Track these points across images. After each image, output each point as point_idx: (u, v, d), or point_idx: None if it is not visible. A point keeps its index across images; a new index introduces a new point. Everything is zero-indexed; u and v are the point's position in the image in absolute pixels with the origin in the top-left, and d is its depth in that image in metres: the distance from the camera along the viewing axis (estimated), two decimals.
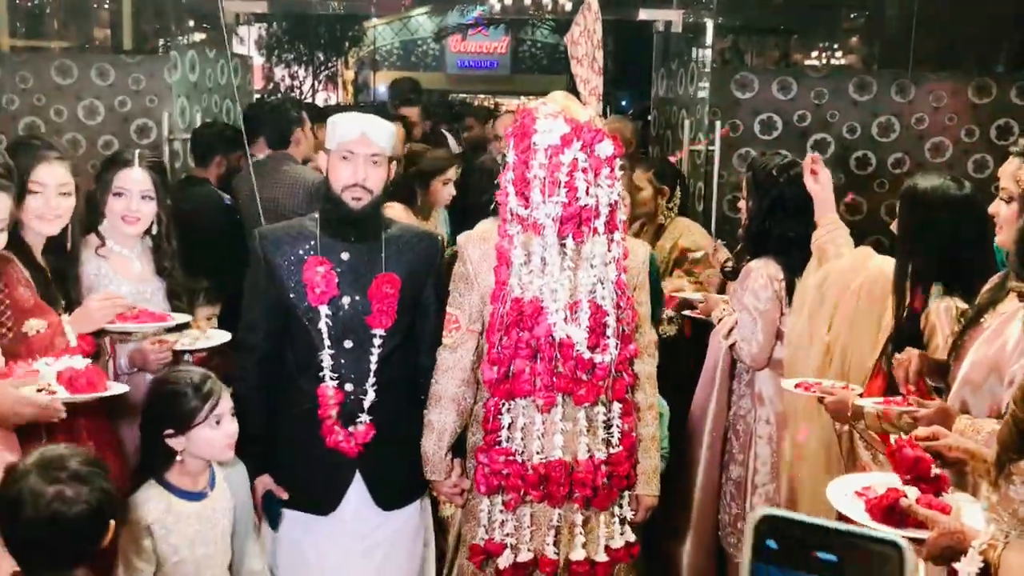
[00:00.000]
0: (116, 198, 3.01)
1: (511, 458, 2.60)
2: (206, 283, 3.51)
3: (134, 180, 3.03)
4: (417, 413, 2.81)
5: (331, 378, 2.73)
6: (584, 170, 2.46)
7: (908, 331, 2.99)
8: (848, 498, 2.07)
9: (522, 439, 2.60)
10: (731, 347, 3.54)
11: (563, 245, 2.50)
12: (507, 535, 2.64)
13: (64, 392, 2.50)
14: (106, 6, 7.17)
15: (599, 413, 2.63)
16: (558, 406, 2.58)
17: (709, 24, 5.83)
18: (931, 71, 5.47)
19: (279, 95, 12.10)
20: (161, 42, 7.69)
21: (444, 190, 4.23)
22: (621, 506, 2.72)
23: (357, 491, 2.78)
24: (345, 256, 2.76)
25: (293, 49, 12.48)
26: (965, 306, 2.83)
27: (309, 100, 12.32)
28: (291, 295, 2.74)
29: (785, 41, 7.29)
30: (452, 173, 4.26)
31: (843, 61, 7.47)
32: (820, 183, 3.32)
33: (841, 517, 2.25)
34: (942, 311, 2.84)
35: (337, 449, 2.73)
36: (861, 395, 2.90)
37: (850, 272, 3.24)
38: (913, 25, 5.79)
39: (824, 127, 5.25)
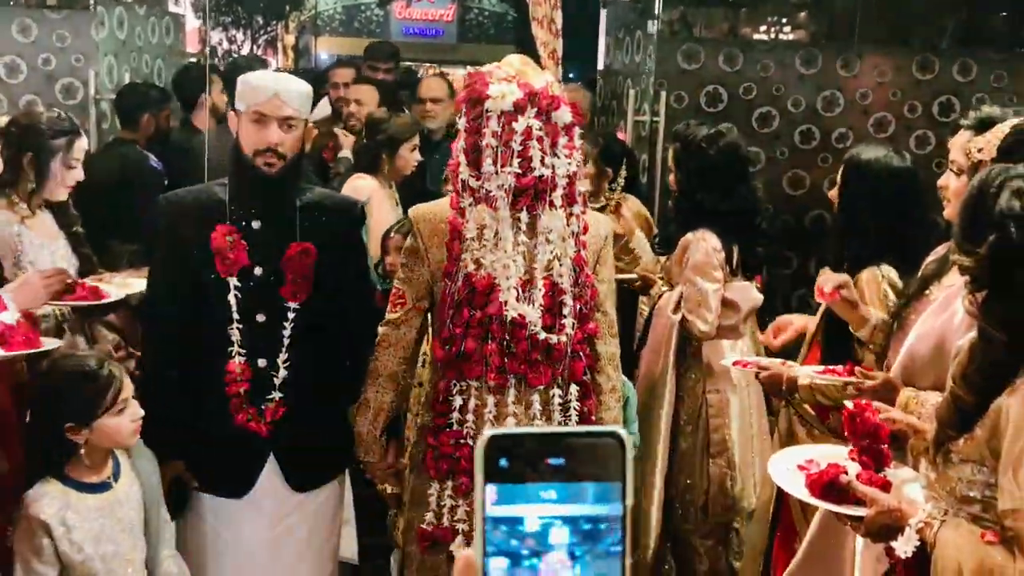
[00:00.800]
0: (70, 169, 3.01)
1: (462, 441, 2.48)
2: (133, 247, 3.48)
3: (83, 149, 3.05)
4: (335, 390, 2.70)
5: (240, 354, 2.58)
6: (539, 139, 2.33)
7: None
8: (789, 472, 2.05)
9: (474, 421, 2.49)
10: (680, 321, 3.51)
11: (517, 218, 2.38)
12: (458, 520, 2.54)
13: None
14: None
15: (555, 396, 2.51)
16: (510, 388, 2.47)
17: None
18: (877, 46, 5.47)
19: (217, 59, 11.77)
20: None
21: (411, 157, 4.14)
22: None
23: (271, 473, 2.65)
24: (256, 224, 2.60)
25: (231, 11, 12.14)
26: (893, 274, 2.86)
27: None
28: (198, 266, 2.58)
29: (734, 13, 7.24)
30: (417, 139, 4.18)
31: (792, 36, 7.44)
32: None
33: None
34: (870, 279, 2.87)
35: (247, 428, 2.59)
36: None
37: None
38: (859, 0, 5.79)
39: (770, 100, 5.22)
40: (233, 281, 2.55)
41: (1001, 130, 2.33)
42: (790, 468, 2.08)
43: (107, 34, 5.17)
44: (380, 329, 2.62)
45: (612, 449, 0.83)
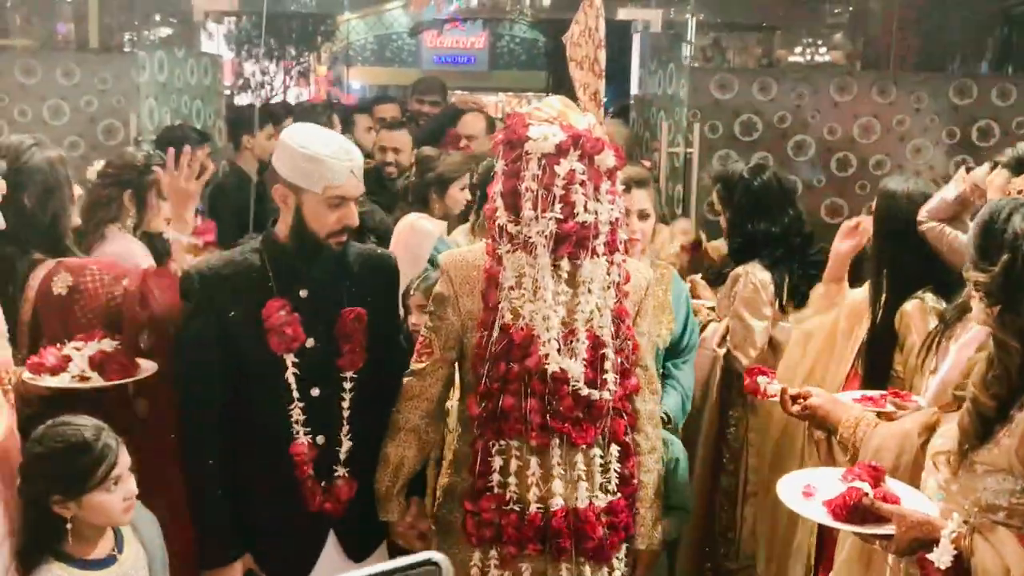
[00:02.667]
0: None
1: (505, 507, 2.33)
2: None
3: None
4: None
5: (302, 433, 2.40)
6: (583, 183, 2.20)
7: (883, 330, 3.00)
8: (802, 500, 2.05)
9: (517, 485, 2.33)
10: (725, 355, 3.50)
11: (557, 267, 2.25)
12: None
13: (99, 379, 2.45)
14: (68, 2, 6.99)
15: (596, 456, 2.36)
16: (553, 447, 2.31)
17: (689, 22, 5.77)
18: (913, 71, 5.43)
19: (249, 91, 11.92)
20: (127, 37, 7.52)
21: (461, 196, 4.02)
22: (620, 559, 2.46)
23: (331, 547, 2.50)
24: (303, 293, 2.42)
25: (264, 44, 12.28)
26: (938, 303, 2.84)
27: (280, 97, 12.15)
28: (245, 344, 2.38)
29: (767, 37, 7.22)
30: (467, 178, 4.03)
31: (827, 57, 7.39)
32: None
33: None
34: (916, 310, 2.85)
35: (323, 512, 2.42)
36: None
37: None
38: (894, 25, 5.75)
39: (804, 128, 5.20)
40: (290, 358, 2.38)
41: None
42: (799, 496, 2.06)
43: (147, 76, 5.26)
44: (404, 380, 2.47)
45: (432, 574, 0.86)
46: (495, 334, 2.30)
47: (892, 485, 2.02)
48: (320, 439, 2.43)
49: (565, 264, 2.25)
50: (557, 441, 2.32)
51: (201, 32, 8.59)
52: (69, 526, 2.14)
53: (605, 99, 7.74)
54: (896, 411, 2.55)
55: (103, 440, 2.14)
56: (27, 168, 2.85)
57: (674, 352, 3.18)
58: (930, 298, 2.93)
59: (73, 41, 7.08)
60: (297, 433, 2.40)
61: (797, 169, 5.15)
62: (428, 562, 0.85)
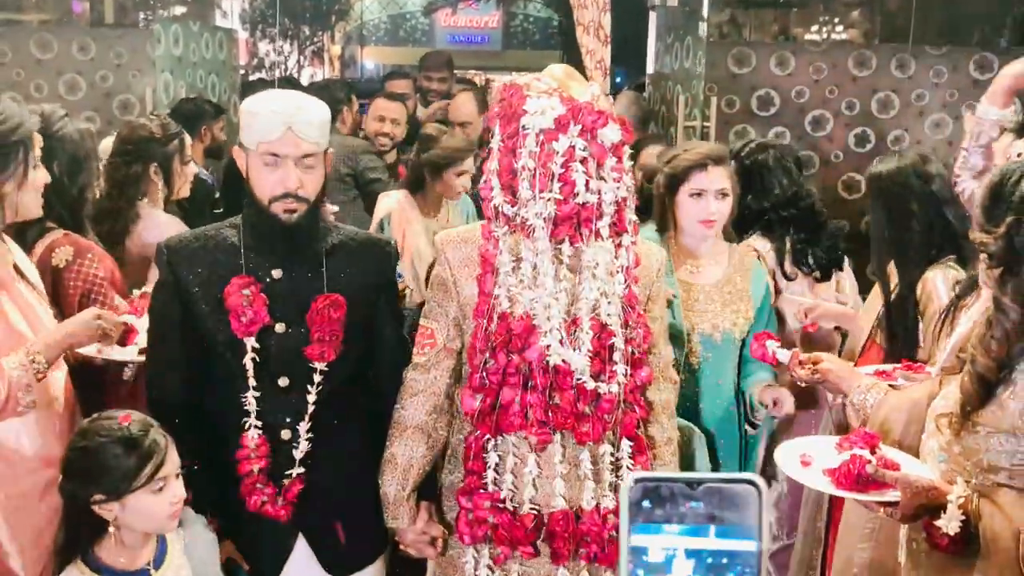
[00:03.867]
0: (186, 166, 3.34)
1: (500, 505, 2.17)
2: None
3: (189, 144, 3.41)
4: (370, 459, 2.33)
5: (256, 426, 2.21)
6: (583, 160, 2.01)
7: (902, 301, 2.98)
8: (803, 470, 2.05)
9: (513, 482, 2.17)
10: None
11: (558, 250, 2.06)
12: None
13: None
14: None
15: (606, 453, 2.18)
16: (556, 444, 2.14)
17: None
18: (932, 46, 5.37)
19: (264, 70, 11.94)
20: (142, 15, 7.54)
21: (458, 182, 3.86)
22: None
23: (302, 556, 2.30)
24: (277, 274, 2.22)
25: (278, 23, 12.23)
26: (956, 270, 2.83)
27: (294, 75, 12.16)
28: (209, 323, 2.21)
29: (784, 15, 7.17)
30: (469, 164, 3.87)
31: (844, 35, 7.34)
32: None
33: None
34: (938, 279, 2.83)
35: (262, 514, 2.21)
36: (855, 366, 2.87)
37: None
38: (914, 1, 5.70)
39: (822, 103, 5.16)
40: (251, 342, 2.19)
41: None
42: (798, 465, 2.06)
43: (163, 51, 5.27)
44: (407, 374, 2.30)
45: (749, 494, 0.89)
46: (493, 323, 2.11)
47: (889, 452, 2.03)
48: (285, 434, 2.25)
49: (566, 247, 2.07)
50: (559, 438, 2.15)
51: (216, 10, 8.59)
52: (112, 530, 1.98)
53: (621, 77, 7.64)
54: (906, 384, 2.54)
55: (151, 437, 1.97)
56: (59, 136, 2.82)
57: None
58: (950, 269, 2.91)
59: (89, 20, 7.10)
60: (247, 425, 2.21)
61: (815, 144, 5.12)
62: (749, 481, 0.88)
